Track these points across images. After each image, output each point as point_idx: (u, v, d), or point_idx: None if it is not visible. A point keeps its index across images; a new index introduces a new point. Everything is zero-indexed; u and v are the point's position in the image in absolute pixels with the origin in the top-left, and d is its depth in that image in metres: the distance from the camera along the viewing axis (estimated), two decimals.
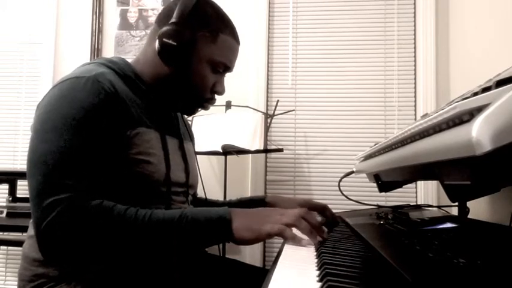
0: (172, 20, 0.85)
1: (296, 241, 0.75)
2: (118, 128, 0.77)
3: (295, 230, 0.78)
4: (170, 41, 0.84)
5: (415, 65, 2.06)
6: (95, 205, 0.69)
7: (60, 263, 0.75)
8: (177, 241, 0.71)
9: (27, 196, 2.09)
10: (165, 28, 0.84)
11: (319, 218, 0.88)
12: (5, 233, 2.05)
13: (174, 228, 0.71)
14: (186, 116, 1.12)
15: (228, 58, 0.91)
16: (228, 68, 0.92)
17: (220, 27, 0.89)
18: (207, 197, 1.16)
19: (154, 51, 0.87)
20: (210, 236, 0.73)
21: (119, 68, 0.85)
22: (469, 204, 1.04)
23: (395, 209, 1.24)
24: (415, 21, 2.08)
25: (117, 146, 0.77)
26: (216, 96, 0.95)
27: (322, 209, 1.03)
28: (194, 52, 0.86)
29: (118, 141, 0.77)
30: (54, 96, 0.75)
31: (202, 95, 0.91)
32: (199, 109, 0.96)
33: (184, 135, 1.02)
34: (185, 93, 0.91)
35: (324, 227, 0.85)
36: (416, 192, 2.01)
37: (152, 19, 2.24)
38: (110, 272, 0.76)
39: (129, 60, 0.92)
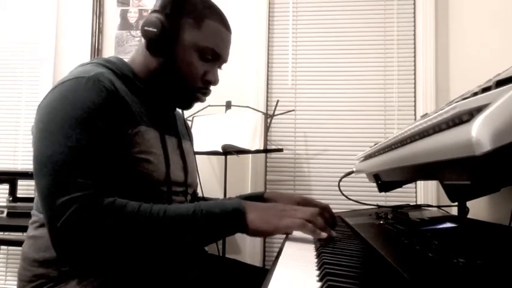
0: (154, 8, 0.86)
1: (316, 234, 0.76)
2: (120, 126, 0.78)
3: (296, 233, 0.78)
4: (151, 29, 0.84)
5: (414, 65, 2.06)
6: (109, 203, 0.70)
7: (76, 261, 0.75)
8: (193, 234, 0.73)
9: (28, 196, 2.08)
10: (147, 17, 0.85)
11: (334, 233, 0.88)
12: (6, 233, 2.05)
13: (190, 222, 0.72)
14: (185, 115, 1.12)
15: (214, 43, 0.89)
16: (217, 55, 0.90)
17: (206, 13, 0.88)
18: (206, 196, 1.16)
19: (143, 46, 0.88)
20: (225, 227, 0.74)
21: (117, 68, 0.85)
22: (468, 204, 1.04)
23: (395, 208, 1.24)
24: (414, 21, 2.08)
25: (120, 144, 0.77)
26: (213, 88, 0.95)
27: (322, 210, 1.01)
28: (178, 39, 0.86)
29: (120, 140, 0.77)
30: (55, 98, 0.75)
31: (193, 84, 0.90)
32: (195, 101, 0.95)
33: (183, 135, 1.02)
34: (176, 84, 0.90)
35: None
36: (416, 192, 2.01)
37: None
38: (110, 272, 0.76)
39: (126, 60, 0.92)
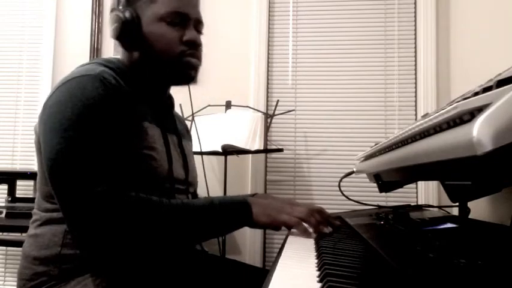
0: (111, 8, 0.90)
1: (307, 235, 0.83)
2: (127, 122, 0.79)
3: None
4: (115, 26, 0.87)
5: (415, 65, 2.06)
6: (135, 196, 0.73)
7: (97, 255, 0.76)
8: (209, 226, 0.79)
9: (27, 196, 2.08)
10: (109, 18, 0.89)
11: (327, 230, 0.89)
12: (4, 234, 2.05)
13: (208, 214, 0.78)
14: (184, 115, 1.12)
15: (172, 5, 0.88)
16: (184, 15, 0.88)
17: None
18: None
19: (121, 49, 0.91)
20: (235, 220, 0.81)
21: (117, 67, 0.86)
22: (469, 204, 1.03)
23: (396, 209, 1.23)
24: (415, 21, 2.07)
25: (126, 140, 0.78)
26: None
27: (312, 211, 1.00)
28: (141, 22, 0.88)
29: (127, 136, 0.79)
30: (64, 95, 0.76)
31: (174, 51, 0.88)
32: (189, 69, 0.91)
33: (183, 134, 1.03)
34: (160, 60, 0.89)
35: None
36: (416, 193, 2.01)
37: None
38: (113, 270, 0.76)
39: None
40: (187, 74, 0.91)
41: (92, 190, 0.69)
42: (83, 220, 0.69)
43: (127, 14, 0.86)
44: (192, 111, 1.19)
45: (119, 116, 0.77)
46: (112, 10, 0.90)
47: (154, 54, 0.88)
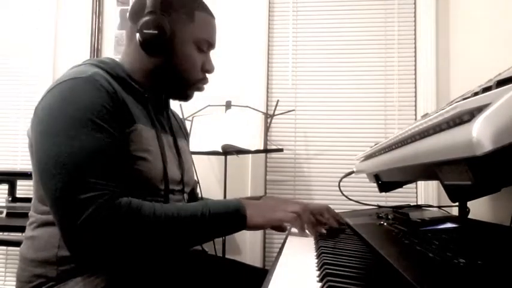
0: (147, 10, 0.86)
1: (301, 231, 0.85)
2: (119, 124, 0.78)
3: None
4: (151, 31, 0.85)
5: (415, 65, 2.06)
6: (126, 203, 0.71)
7: (88, 259, 0.76)
8: (201, 234, 0.78)
9: (27, 196, 2.10)
10: (143, 19, 0.85)
11: (324, 230, 0.89)
12: (5, 233, 2.05)
13: (200, 223, 0.76)
14: (184, 115, 1.12)
15: (209, 34, 0.93)
16: (211, 44, 0.94)
17: (193, 5, 0.90)
18: (205, 197, 1.16)
19: (136, 47, 0.88)
20: (228, 226, 0.80)
21: (110, 68, 0.85)
22: (469, 204, 1.04)
23: (396, 209, 1.23)
24: (415, 21, 2.07)
25: (120, 143, 0.77)
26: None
27: (321, 212, 0.98)
28: (176, 36, 0.87)
29: (120, 138, 0.77)
30: (55, 99, 0.75)
31: (195, 77, 0.93)
32: (195, 92, 0.98)
33: (178, 133, 1.02)
34: (178, 80, 0.92)
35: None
36: (416, 192, 2.01)
37: None
38: (112, 271, 0.76)
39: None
40: (191, 96, 0.98)
41: (82, 196, 0.68)
42: (73, 227, 0.68)
43: (168, 23, 0.86)
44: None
45: (111, 119, 0.75)
46: (151, 12, 0.85)
47: (176, 70, 0.90)
